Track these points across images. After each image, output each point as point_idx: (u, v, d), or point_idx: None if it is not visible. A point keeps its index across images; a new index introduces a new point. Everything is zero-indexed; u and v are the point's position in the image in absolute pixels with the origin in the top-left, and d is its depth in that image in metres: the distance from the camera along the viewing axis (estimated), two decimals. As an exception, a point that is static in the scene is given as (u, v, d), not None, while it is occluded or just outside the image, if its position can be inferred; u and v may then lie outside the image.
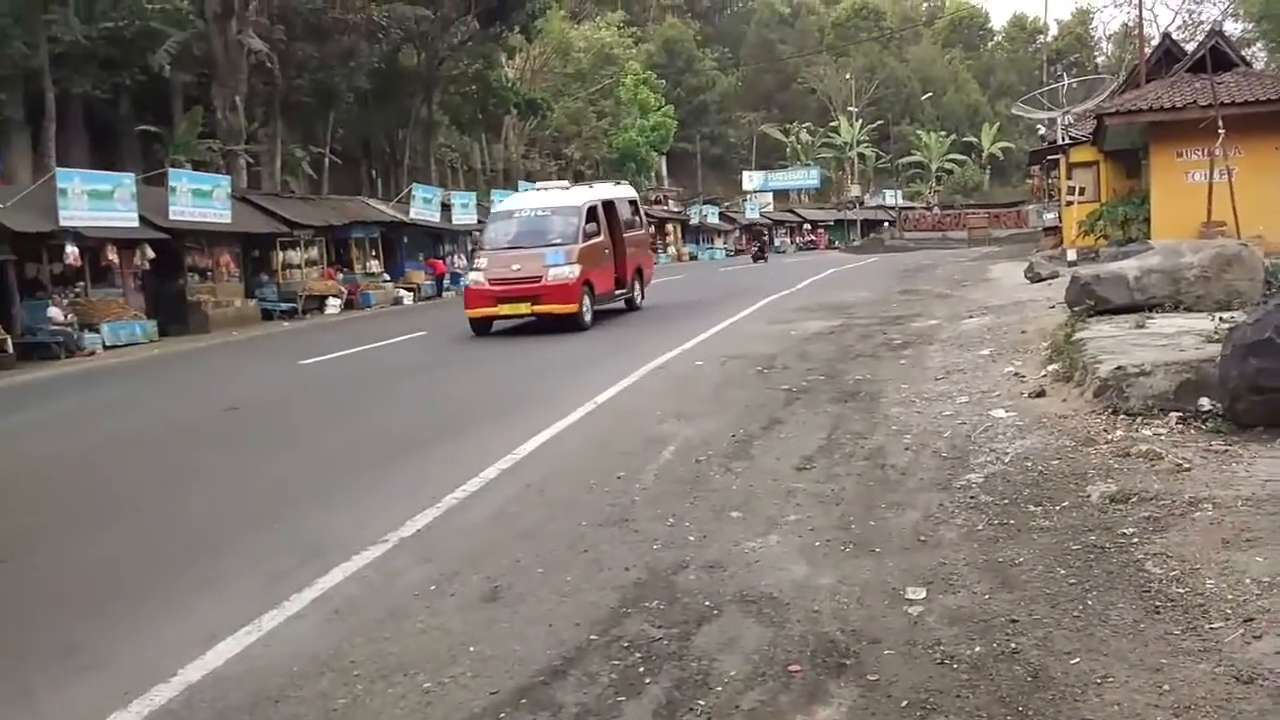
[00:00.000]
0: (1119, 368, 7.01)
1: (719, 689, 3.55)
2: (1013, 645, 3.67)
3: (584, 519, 5.63)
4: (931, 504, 5.40)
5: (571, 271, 15.68)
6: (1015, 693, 3.35)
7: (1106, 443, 6.17)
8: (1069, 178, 25.99)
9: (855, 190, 72.86)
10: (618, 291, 18.00)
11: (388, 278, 31.08)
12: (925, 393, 8.59)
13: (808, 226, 70.26)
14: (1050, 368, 8.61)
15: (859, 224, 69.63)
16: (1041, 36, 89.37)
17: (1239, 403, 6.07)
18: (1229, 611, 3.73)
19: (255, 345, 19.68)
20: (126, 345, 19.80)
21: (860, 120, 74.28)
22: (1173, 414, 6.47)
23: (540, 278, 15.57)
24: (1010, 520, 5.02)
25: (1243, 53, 28.16)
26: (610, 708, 3.48)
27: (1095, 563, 4.36)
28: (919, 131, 79.98)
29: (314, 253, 28.27)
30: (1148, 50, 28.39)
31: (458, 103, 41.66)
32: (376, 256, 31.53)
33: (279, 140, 30.80)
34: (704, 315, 17.15)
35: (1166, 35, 30.88)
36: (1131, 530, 4.67)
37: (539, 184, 20.86)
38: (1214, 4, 41.73)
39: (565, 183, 21.69)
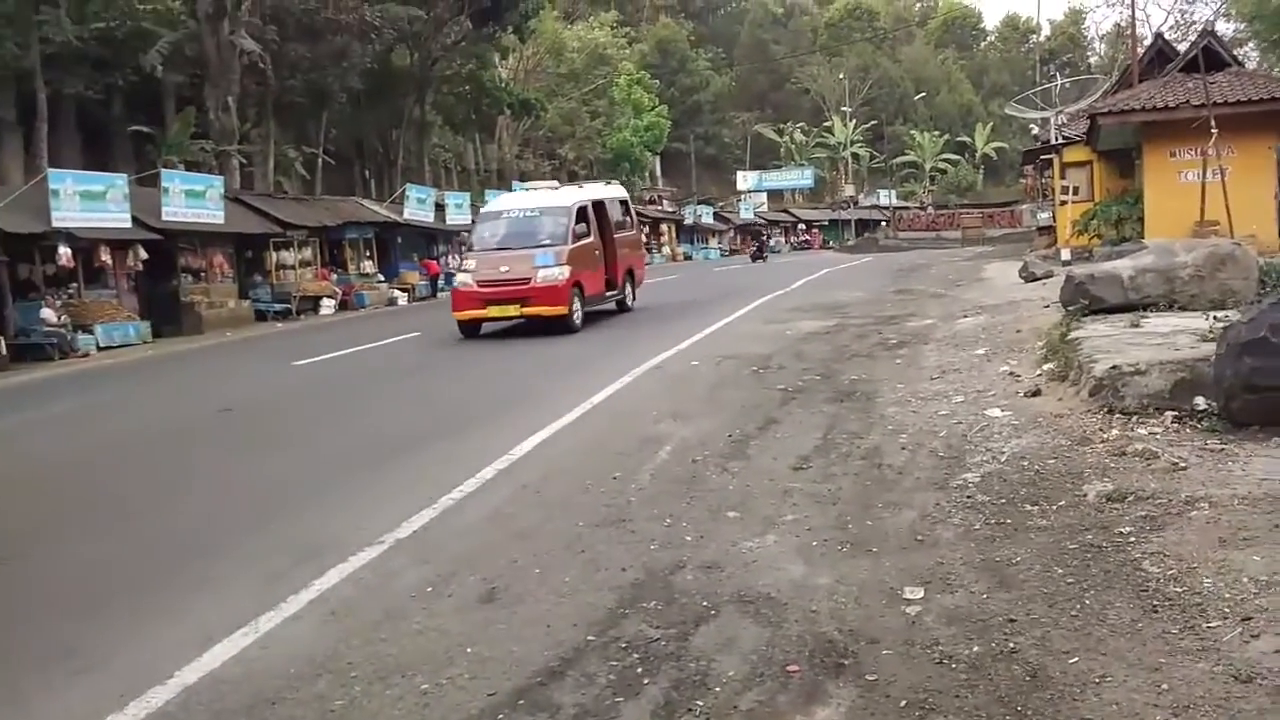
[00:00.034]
0: (1114, 367, 7.02)
1: (717, 689, 3.54)
2: (1011, 645, 3.67)
3: (581, 519, 5.62)
4: (928, 504, 5.41)
5: (561, 273, 15.47)
6: (1014, 692, 3.35)
7: (1102, 442, 6.18)
8: (1062, 177, 26.03)
9: (849, 190, 72.92)
10: (608, 293, 17.80)
11: (382, 278, 31.03)
12: (921, 392, 8.60)
13: (802, 226, 70.31)
14: (1045, 367, 8.63)
15: (853, 224, 69.67)
16: (1034, 36, 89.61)
17: (1234, 401, 6.09)
18: (1226, 610, 3.74)
19: (249, 346, 19.64)
20: (120, 346, 19.75)
21: (854, 120, 74.32)
22: (1168, 413, 6.48)
23: (529, 279, 15.33)
24: (1007, 520, 5.02)
25: (1235, 53, 28.23)
26: (608, 709, 3.48)
27: (1092, 562, 4.36)
28: (913, 131, 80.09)
29: (308, 253, 28.22)
30: (1140, 50, 28.46)
31: (451, 103, 41.61)
32: (370, 257, 31.49)
33: (272, 141, 30.74)
34: (699, 315, 17.14)
35: (1159, 35, 31.02)
36: (1128, 529, 4.68)
37: (528, 184, 20.59)
38: (1206, 4, 41.97)
39: (554, 183, 21.42)
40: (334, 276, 28.67)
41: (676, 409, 8.69)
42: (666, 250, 55.34)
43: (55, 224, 19.10)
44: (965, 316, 14.41)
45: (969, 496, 5.46)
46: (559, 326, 15.41)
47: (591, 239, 16.85)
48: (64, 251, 19.41)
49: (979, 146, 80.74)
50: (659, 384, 10.29)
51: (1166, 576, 4.12)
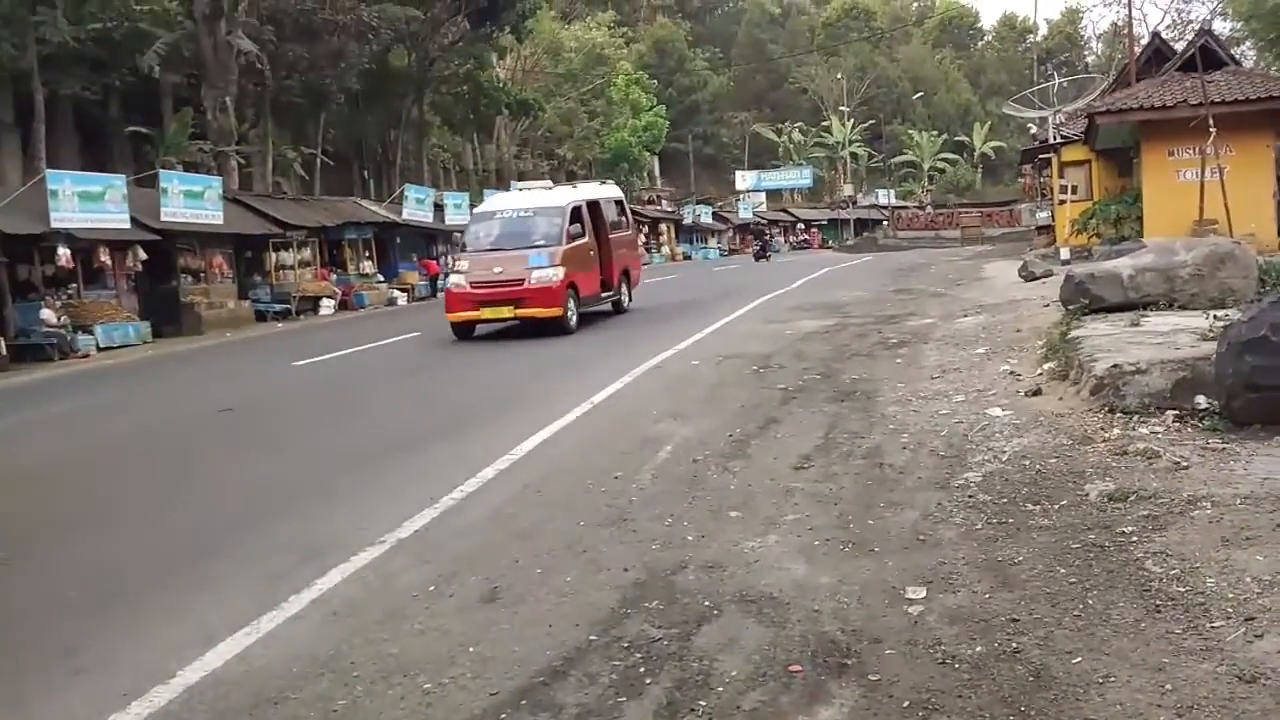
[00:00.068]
0: (1115, 366, 7.02)
1: (720, 689, 3.54)
2: (1014, 645, 3.67)
3: (582, 519, 5.62)
4: (930, 503, 5.40)
5: (555, 274, 15.29)
6: (1017, 692, 3.35)
7: (1104, 441, 6.17)
8: (1061, 176, 26.05)
9: (848, 190, 72.91)
10: (604, 294, 17.60)
11: (381, 278, 31.03)
12: (922, 391, 8.60)
13: (801, 226, 70.31)
14: (1046, 366, 8.62)
15: (852, 223, 69.69)
16: (1031, 36, 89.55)
17: (1235, 400, 6.09)
18: (1230, 610, 3.74)
19: (249, 346, 19.63)
20: (120, 347, 19.75)
21: (852, 120, 74.34)
22: (1169, 412, 6.48)
23: (523, 280, 15.15)
24: (1009, 519, 5.02)
25: (1232, 51, 28.24)
26: (611, 708, 3.47)
27: (1095, 562, 4.36)
28: (911, 131, 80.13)
29: (307, 254, 28.22)
30: (1137, 49, 28.49)
31: (449, 103, 41.62)
32: (370, 257, 31.49)
33: (270, 141, 30.74)
34: (698, 315, 17.14)
35: (1156, 34, 31.07)
36: (1131, 529, 4.68)
37: (521, 184, 20.41)
38: (1203, 3, 41.95)
39: (548, 182, 21.21)
40: (333, 277, 28.67)
41: (677, 409, 8.69)
42: (665, 250, 55.34)
43: (54, 225, 19.11)
44: (965, 315, 14.42)
45: (971, 496, 5.46)
46: (553, 328, 15.24)
47: (586, 239, 16.67)
48: (63, 252, 19.42)
49: (977, 146, 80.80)
50: (660, 383, 10.29)
51: (1169, 576, 4.11)
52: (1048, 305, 12.95)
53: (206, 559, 5.55)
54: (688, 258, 55.84)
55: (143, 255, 21.63)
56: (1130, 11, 31.46)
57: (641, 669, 3.73)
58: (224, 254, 24.99)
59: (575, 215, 16.51)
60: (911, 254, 43.77)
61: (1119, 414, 6.64)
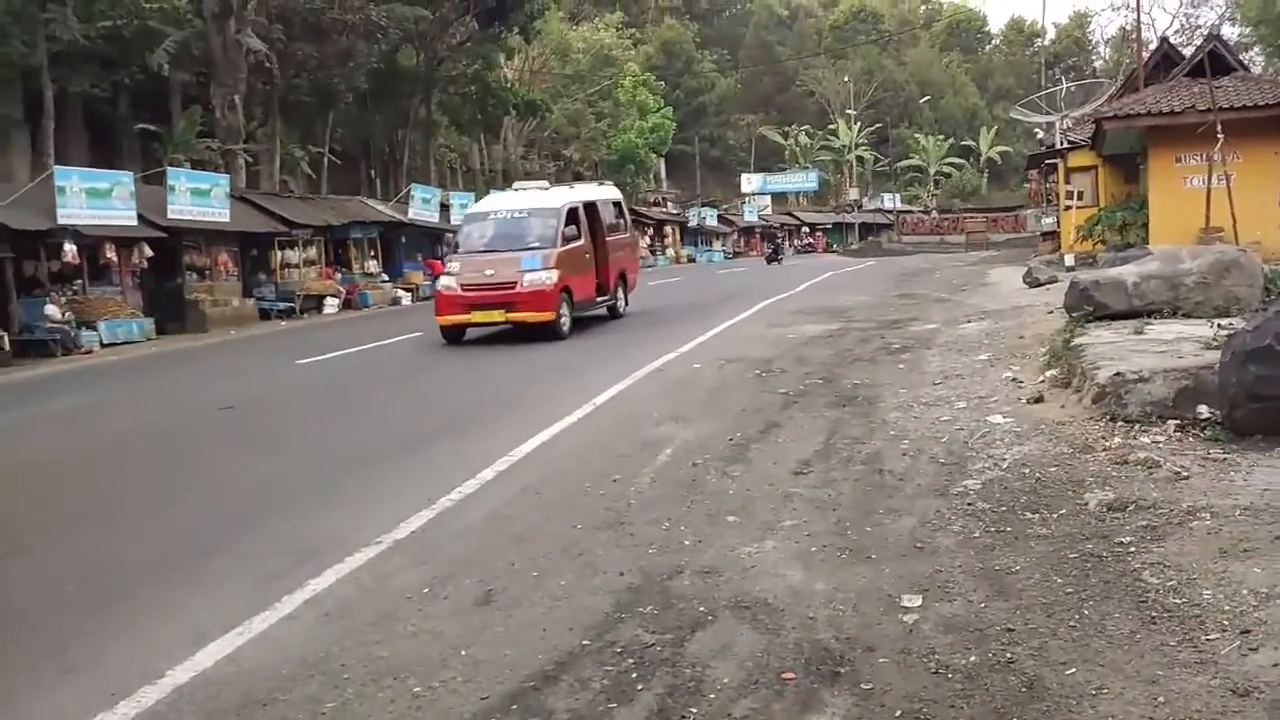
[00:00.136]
0: (1118, 374, 6.99)
1: (712, 696, 3.52)
2: (1008, 655, 3.64)
3: (579, 522, 5.61)
4: (928, 510, 5.38)
5: (548, 277, 14.89)
6: (1010, 703, 3.33)
7: (1104, 450, 6.15)
8: (1067, 182, 25.98)
9: (853, 193, 72.86)
10: (599, 298, 17.21)
11: (386, 278, 31.04)
12: (923, 398, 8.57)
13: (806, 230, 70.28)
14: (1048, 373, 8.59)
15: (857, 227, 69.64)
16: (1039, 40, 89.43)
17: (1238, 410, 6.06)
18: (1226, 623, 3.71)
19: (252, 344, 19.65)
20: (124, 343, 19.77)
21: (858, 123, 74.30)
22: (1171, 421, 6.45)
23: (515, 283, 14.80)
24: (1007, 528, 5.00)
25: (1241, 57, 28.17)
26: (602, 714, 3.45)
27: (1092, 572, 4.33)
28: (917, 135, 80.00)
29: (312, 252, 28.24)
30: (1145, 54, 28.41)
31: (457, 103, 41.63)
32: (375, 256, 31.50)
33: (278, 139, 30.77)
34: (701, 318, 17.12)
35: (1164, 39, 30.96)
36: (1129, 539, 4.65)
37: (517, 184, 20.10)
38: (1212, 8, 41.86)
39: (544, 183, 20.70)
40: (338, 276, 28.69)
41: (678, 412, 8.67)
42: (670, 252, 55.34)
43: (61, 221, 19.15)
44: (968, 321, 14.39)
45: (969, 504, 5.43)
46: (545, 333, 14.89)
47: (582, 242, 16.29)
48: (69, 248, 19.45)
49: (983, 150, 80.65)
50: (661, 386, 10.27)
51: (1166, 587, 4.09)
52: (1051, 312, 12.91)
53: (202, 557, 5.54)
54: (692, 260, 55.83)
55: (148, 252, 21.66)
56: (1139, 16, 31.44)
57: (634, 674, 3.71)
58: (229, 252, 25.02)
59: (571, 217, 16.16)
60: (916, 259, 43.76)
61: (1120, 422, 6.61)
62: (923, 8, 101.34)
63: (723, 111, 75.67)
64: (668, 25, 73.57)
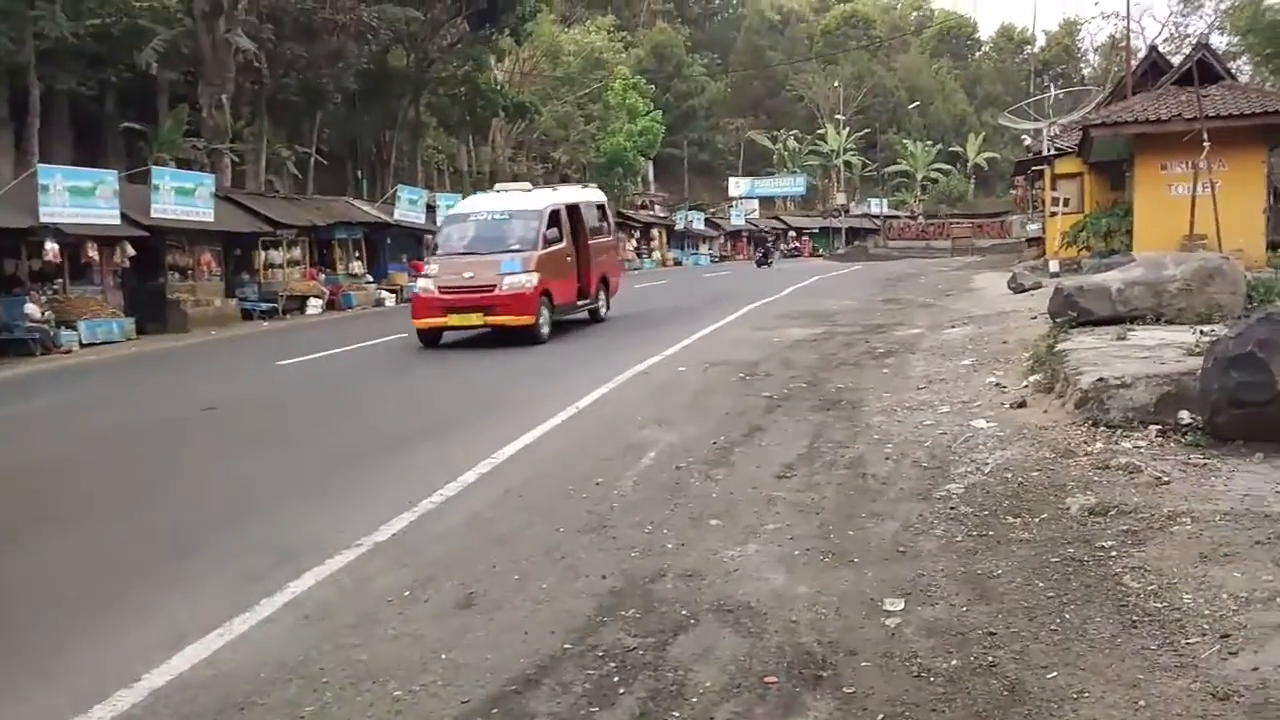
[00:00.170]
0: (1100, 380, 7.02)
1: (694, 700, 3.51)
2: (990, 658, 3.65)
3: (562, 525, 5.59)
4: (911, 514, 5.38)
5: (528, 280, 14.65)
6: (992, 707, 3.33)
7: (1086, 455, 6.17)
8: (1053, 189, 26.10)
9: (841, 198, 72.97)
10: (580, 302, 16.93)
11: (370, 279, 30.91)
12: (907, 402, 8.59)
13: (793, 234, 70.38)
14: (1032, 378, 8.62)
15: (844, 232, 69.77)
16: (1029, 47, 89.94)
17: (1219, 416, 6.09)
18: (1206, 627, 3.72)
19: (234, 345, 19.55)
20: (103, 343, 19.60)
21: (847, 128, 74.45)
22: (1153, 427, 6.48)
23: (494, 286, 14.56)
24: (989, 532, 5.00)
25: (1229, 66, 28.34)
26: (584, 718, 3.44)
27: (1073, 576, 4.34)
28: (905, 140, 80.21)
29: (296, 253, 28.09)
30: (1134, 62, 28.58)
31: (446, 104, 41.55)
32: (360, 257, 31.36)
33: (264, 139, 30.64)
34: (687, 321, 17.12)
35: (1153, 48, 31.16)
36: (1110, 543, 4.66)
37: (498, 185, 19.81)
38: (1201, 17, 42.14)
39: (526, 185, 20.48)
40: (322, 276, 28.56)
41: (662, 415, 8.66)
42: (657, 255, 55.36)
43: (43, 219, 19.01)
44: (953, 326, 14.43)
45: (952, 508, 5.44)
46: (524, 337, 14.66)
47: (563, 245, 16.05)
48: (51, 247, 19.30)
49: (971, 157, 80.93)
50: (644, 390, 10.26)
51: (1147, 592, 4.10)
52: (1035, 317, 12.96)
53: (181, 558, 5.50)
54: (679, 263, 55.85)
55: (131, 251, 21.51)
56: (1128, 24, 31.65)
57: (615, 678, 3.70)
58: (213, 251, 24.87)
59: (553, 219, 15.89)
60: (902, 264, 43.90)
61: (1103, 428, 6.64)
62: (914, 14, 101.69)
63: (712, 115, 75.72)
64: (659, 29, 73.58)
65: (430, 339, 15.15)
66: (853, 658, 3.76)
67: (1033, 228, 33.91)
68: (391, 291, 30.25)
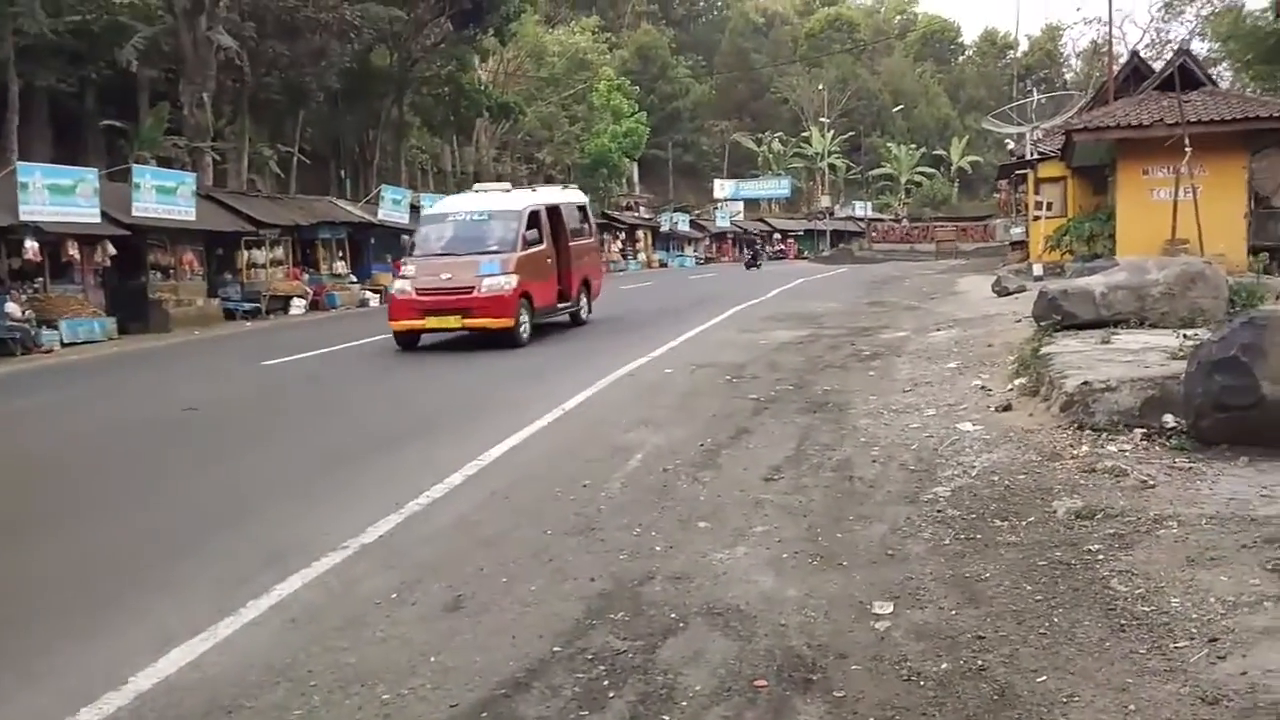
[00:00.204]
0: (1085, 383, 7.06)
1: (684, 703, 3.50)
2: (979, 662, 3.65)
3: (549, 527, 5.57)
4: (899, 517, 5.39)
5: (507, 282, 14.40)
6: (982, 710, 3.33)
7: (1072, 458, 6.20)
8: (1037, 193, 26.25)
9: (825, 201, 73.22)
10: (560, 305, 16.71)
11: (354, 279, 30.79)
12: (893, 405, 8.61)
13: (778, 236, 70.52)
14: (1017, 382, 8.66)
15: (828, 234, 69.99)
16: (1012, 52, 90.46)
17: (1203, 420, 6.12)
18: (1194, 631, 3.74)
19: (217, 345, 19.42)
20: (85, 343, 19.44)
21: (832, 131, 74.71)
22: (1137, 430, 6.51)
23: (473, 288, 14.30)
24: (977, 535, 5.02)
25: (1209, 72, 28.57)
26: (573, 722, 3.43)
27: (1061, 579, 4.36)
28: (889, 144, 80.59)
29: (279, 252, 27.94)
30: (1116, 68, 28.76)
31: (429, 104, 41.42)
32: (343, 257, 31.23)
33: (247, 138, 30.46)
34: (673, 323, 17.12)
35: (1134, 53, 31.36)
36: (1097, 547, 4.68)
37: (477, 185, 19.52)
38: (1181, 23, 42.47)
39: (506, 185, 20.21)
40: (305, 276, 28.41)
41: (648, 417, 8.65)
42: (642, 257, 55.36)
43: (23, 217, 18.82)
44: (938, 329, 14.48)
45: (939, 511, 5.45)
46: (504, 340, 14.42)
47: (544, 246, 15.78)
48: (31, 245, 19.13)
49: (954, 160, 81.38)
50: (631, 391, 10.25)
51: (1134, 595, 4.11)
52: (1020, 321, 13.03)
53: (165, 562, 5.45)
54: (664, 265, 55.89)
55: (112, 250, 21.34)
56: (1110, 30, 31.84)
57: (605, 682, 3.69)
58: (195, 251, 24.69)
59: (532, 220, 15.62)
60: (886, 266, 44.04)
61: (1088, 431, 6.67)
62: (897, 18, 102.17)
63: (697, 117, 75.80)
64: (643, 30, 73.61)
65: (408, 341, 14.94)
66: (842, 661, 3.76)
67: (1016, 231, 34.09)
68: (375, 292, 30.10)
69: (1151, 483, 5.53)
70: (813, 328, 15.63)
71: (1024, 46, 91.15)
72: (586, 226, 18.86)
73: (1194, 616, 3.86)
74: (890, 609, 4.19)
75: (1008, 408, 7.88)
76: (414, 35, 36.37)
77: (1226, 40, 34.67)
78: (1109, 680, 3.45)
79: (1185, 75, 19.86)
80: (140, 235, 22.17)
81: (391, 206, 32.23)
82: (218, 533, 5.94)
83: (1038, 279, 19.65)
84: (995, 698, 3.40)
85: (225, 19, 27.36)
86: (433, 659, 3.95)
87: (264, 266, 27.04)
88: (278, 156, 32.87)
